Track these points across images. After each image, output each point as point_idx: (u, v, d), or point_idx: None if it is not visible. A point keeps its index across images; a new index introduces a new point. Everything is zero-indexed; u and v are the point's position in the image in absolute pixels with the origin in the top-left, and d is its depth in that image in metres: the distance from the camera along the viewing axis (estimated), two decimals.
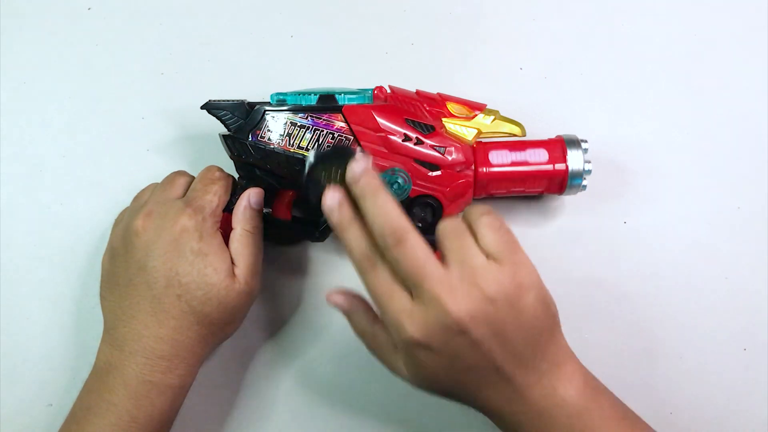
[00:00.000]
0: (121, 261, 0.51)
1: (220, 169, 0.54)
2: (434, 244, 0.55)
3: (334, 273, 0.61)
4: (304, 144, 0.52)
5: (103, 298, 0.54)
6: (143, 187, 0.58)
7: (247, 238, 0.52)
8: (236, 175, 0.55)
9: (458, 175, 0.53)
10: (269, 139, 0.53)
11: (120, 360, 0.49)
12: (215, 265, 0.50)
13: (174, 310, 0.49)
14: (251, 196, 0.53)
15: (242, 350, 0.60)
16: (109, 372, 0.49)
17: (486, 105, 0.55)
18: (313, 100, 0.53)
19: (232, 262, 0.51)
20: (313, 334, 0.61)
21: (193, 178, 0.55)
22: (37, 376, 0.60)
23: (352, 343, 0.60)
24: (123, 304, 0.50)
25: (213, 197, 0.52)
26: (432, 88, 0.56)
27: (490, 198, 0.59)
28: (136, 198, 0.56)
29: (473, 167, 0.54)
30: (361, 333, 0.47)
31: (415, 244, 0.41)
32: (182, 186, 0.54)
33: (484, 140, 0.56)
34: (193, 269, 0.49)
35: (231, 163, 0.55)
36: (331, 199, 0.43)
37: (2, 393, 0.59)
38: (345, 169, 0.44)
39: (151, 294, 0.49)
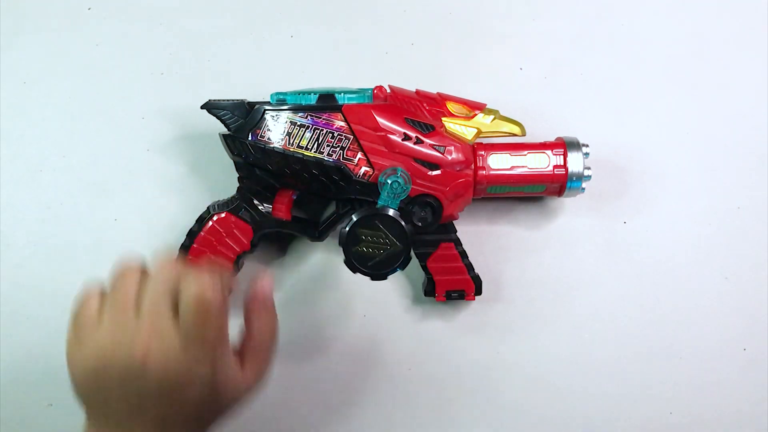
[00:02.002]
0: (118, 389, 0.43)
1: (211, 284, 0.43)
2: (433, 244, 0.56)
3: (334, 273, 0.61)
4: (303, 143, 0.52)
5: (86, 401, 0.45)
6: (143, 186, 0.58)
7: (269, 337, 0.48)
8: (236, 175, 0.55)
9: (458, 174, 0.53)
10: (269, 138, 0.53)
11: None
12: (230, 393, 0.45)
13: (161, 417, 0.43)
14: (265, 287, 0.48)
15: None
16: None
17: (486, 104, 0.55)
18: (312, 100, 0.53)
19: (243, 354, 0.47)
20: (313, 333, 0.61)
21: (145, 267, 0.46)
22: (37, 376, 0.60)
23: (353, 342, 0.61)
24: (120, 423, 0.43)
25: (219, 332, 0.44)
26: (432, 88, 0.56)
27: (490, 199, 0.59)
28: (86, 315, 0.45)
29: (473, 167, 0.54)
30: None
31: None
32: (167, 286, 0.44)
33: (483, 140, 0.56)
34: (205, 395, 0.44)
35: (231, 163, 0.55)
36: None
37: (2, 393, 0.59)
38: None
39: (157, 416, 0.43)
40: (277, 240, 0.61)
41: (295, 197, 0.56)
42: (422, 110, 0.53)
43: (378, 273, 0.52)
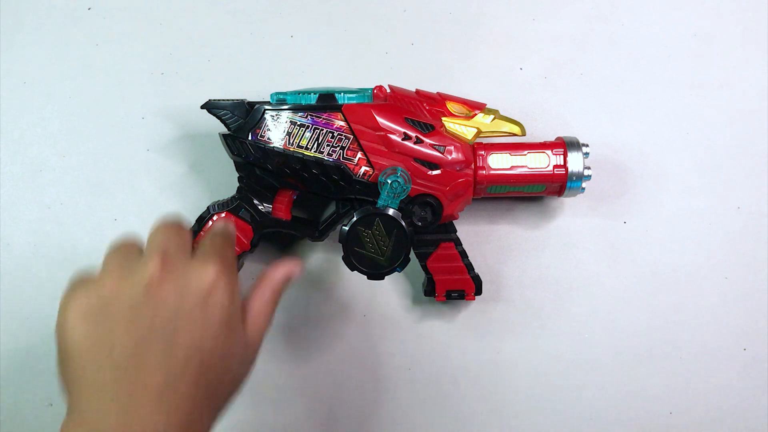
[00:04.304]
0: (122, 323, 0.39)
1: (227, 221, 0.50)
2: (433, 244, 0.56)
3: (334, 273, 0.61)
4: (303, 143, 0.52)
5: (73, 374, 0.39)
6: (143, 187, 0.58)
7: (274, 306, 0.47)
8: (236, 175, 0.55)
9: (458, 174, 0.53)
10: (269, 138, 0.53)
11: None
12: (239, 338, 0.42)
13: (189, 395, 0.38)
14: (287, 274, 0.48)
15: None
16: None
17: (486, 104, 0.55)
18: (312, 100, 0.53)
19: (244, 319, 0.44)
20: (313, 333, 0.61)
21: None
22: (37, 376, 0.60)
23: (353, 342, 0.61)
24: (117, 386, 0.37)
25: (232, 252, 0.45)
26: (432, 88, 0.56)
27: (490, 199, 0.59)
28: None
29: (473, 166, 0.54)
30: None
31: None
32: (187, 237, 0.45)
33: (483, 140, 0.56)
34: (219, 345, 0.40)
35: (231, 163, 0.55)
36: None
37: (2, 393, 0.59)
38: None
39: (164, 374, 0.38)
40: (277, 240, 0.61)
41: (295, 197, 0.56)
42: (422, 110, 0.53)
43: (376, 272, 0.52)
